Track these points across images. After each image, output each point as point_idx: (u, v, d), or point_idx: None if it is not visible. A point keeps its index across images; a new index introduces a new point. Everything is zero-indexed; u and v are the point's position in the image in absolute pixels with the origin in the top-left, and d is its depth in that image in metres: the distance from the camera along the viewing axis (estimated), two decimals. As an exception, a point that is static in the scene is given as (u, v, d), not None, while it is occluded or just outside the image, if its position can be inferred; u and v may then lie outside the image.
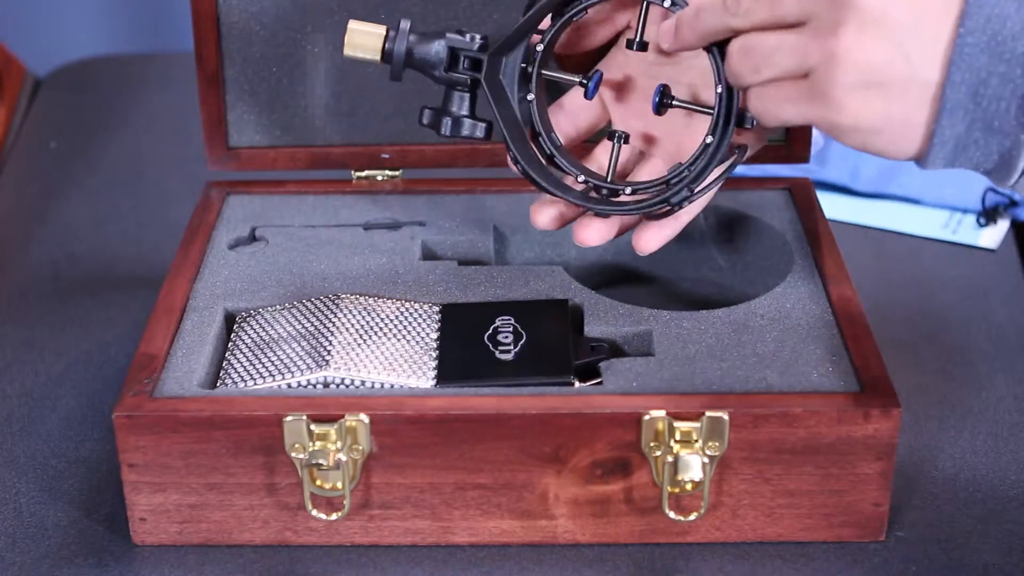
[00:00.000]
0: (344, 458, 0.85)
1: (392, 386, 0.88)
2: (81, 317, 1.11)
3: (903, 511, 0.91)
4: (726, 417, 0.84)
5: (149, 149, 1.36)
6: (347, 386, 0.88)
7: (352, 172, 1.10)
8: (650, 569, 0.87)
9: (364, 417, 0.85)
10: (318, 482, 0.86)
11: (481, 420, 0.85)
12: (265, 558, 0.88)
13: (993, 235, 1.19)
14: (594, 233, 0.91)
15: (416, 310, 0.95)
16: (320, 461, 0.84)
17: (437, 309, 0.95)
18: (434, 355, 0.90)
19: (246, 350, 0.92)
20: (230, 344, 0.93)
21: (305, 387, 0.88)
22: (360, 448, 0.85)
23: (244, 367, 0.90)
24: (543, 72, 0.92)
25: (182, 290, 0.96)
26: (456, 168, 1.10)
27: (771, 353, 0.90)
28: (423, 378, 0.88)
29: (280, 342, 0.91)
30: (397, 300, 0.96)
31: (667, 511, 0.86)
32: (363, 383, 0.88)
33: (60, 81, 1.49)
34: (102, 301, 1.13)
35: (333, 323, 0.92)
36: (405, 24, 0.93)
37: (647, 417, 0.84)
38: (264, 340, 0.92)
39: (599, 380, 0.88)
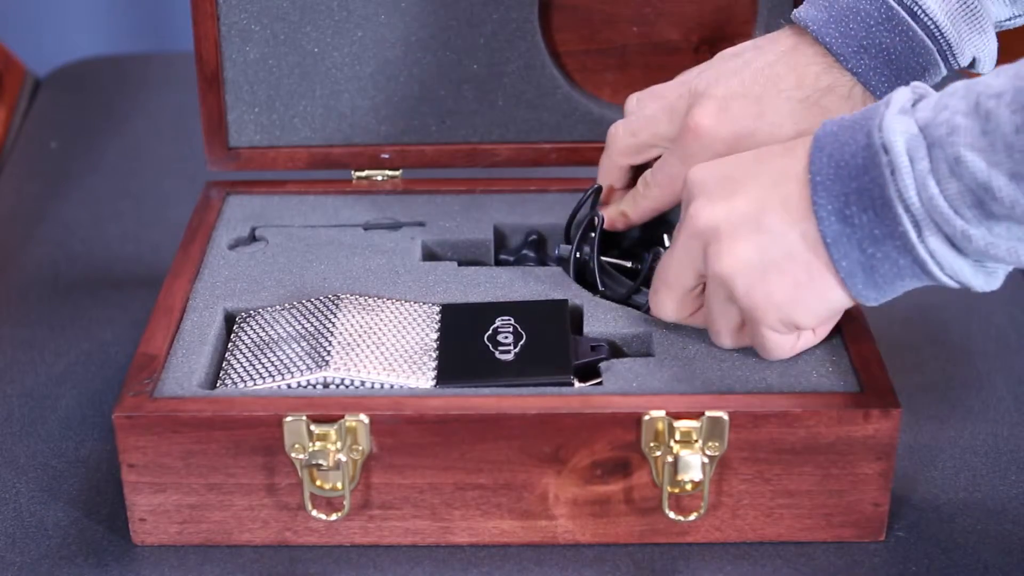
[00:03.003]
0: (344, 458, 0.85)
1: (392, 386, 0.88)
2: (81, 317, 1.11)
3: (903, 511, 0.91)
4: (726, 417, 0.84)
5: (149, 149, 1.36)
6: (347, 386, 0.88)
7: (352, 172, 1.10)
8: (650, 569, 0.87)
9: (364, 417, 0.85)
10: (318, 482, 0.86)
11: (481, 420, 0.85)
12: (265, 558, 0.88)
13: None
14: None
15: (416, 310, 0.95)
16: (320, 461, 0.84)
17: (437, 309, 0.95)
18: (434, 355, 0.90)
19: (246, 350, 0.92)
20: (230, 344, 0.93)
21: (305, 387, 0.88)
22: (360, 448, 0.85)
23: (244, 367, 0.90)
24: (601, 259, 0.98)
25: (182, 290, 0.96)
26: (456, 168, 1.10)
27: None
28: (423, 378, 0.88)
29: (280, 342, 0.91)
30: (397, 300, 0.96)
31: (667, 511, 0.86)
32: (363, 383, 0.88)
33: (60, 81, 1.49)
34: (102, 301, 1.13)
35: (333, 323, 0.92)
36: None
37: (647, 417, 0.84)
38: (264, 340, 0.92)
39: (599, 380, 0.88)
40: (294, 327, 0.93)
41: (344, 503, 0.86)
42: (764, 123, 0.90)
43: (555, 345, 0.91)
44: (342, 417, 0.84)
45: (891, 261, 0.78)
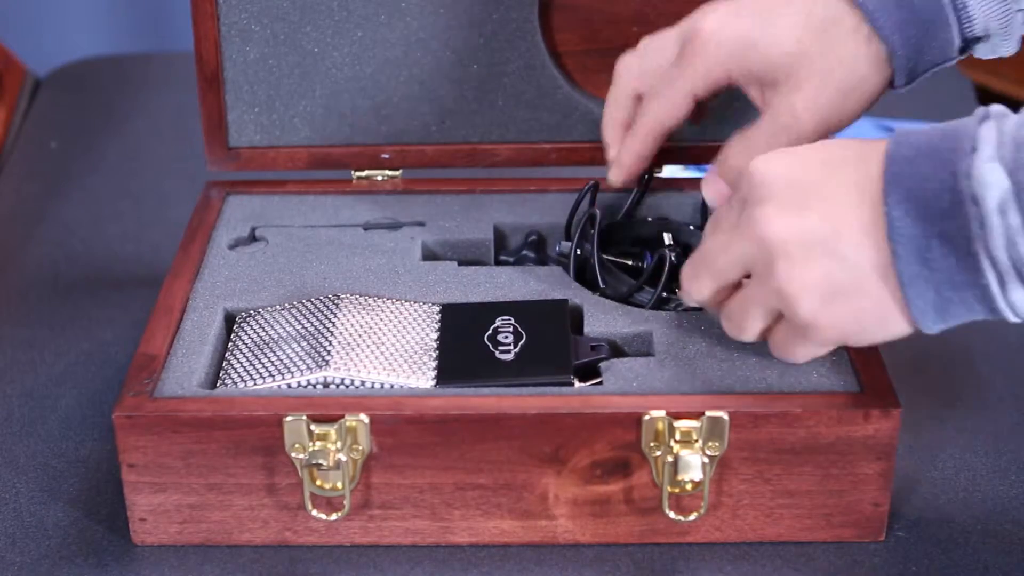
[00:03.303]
0: (344, 458, 0.85)
1: (392, 386, 0.88)
2: (81, 317, 1.11)
3: (903, 511, 0.91)
4: (726, 417, 0.84)
5: (149, 149, 1.36)
6: (347, 386, 0.88)
7: (352, 172, 1.10)
8: (650, 569, 0.87)
9: (364, 417, 0.85)
10: (318, 482, 0.86)
11: (481, 420, 0.85)
12: (265, 558, 0.88)
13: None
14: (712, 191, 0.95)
15: (416, 310, 0.95)
16: (320, 461, 0.84)
17: (437, 309, 0.95)
18: (434, 355, 0.90)
19: (246, 350, 0.91)
20: (230, 344, 0.93)
21: (305, 387, 0.88)
22: (360, 448, 0.85)
23: (244, 367, 0.90)
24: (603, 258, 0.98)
25: (182, 290, 0.96)
26: (456, 168, 1.10)
27: (771, 353, 0.90)
28: (423, 378, 0.88)
29: (280, 342, 0.91)
30: (397, 300, 0.96)
31: (667, 511, 0.86)
32: (363, 383, 0.88)
33: (60, 81, 1.49)
34: (102, 301, 1.13)
35: (333, 323, 0.92)
36: None
37: (647, 417, 0.84)
38: (264, 340, 0.92)
39: (599, 380, 0.88)
40: (294, 327, 0.93)
41: (344, 503, 0.86)
42: (767, 35, 0.89)
43: (555, 345, 0.91)
44: (342, 417, 0.84)
45: (967, 305, 0.76)
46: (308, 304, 0.95)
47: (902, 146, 0.76)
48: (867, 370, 0.87)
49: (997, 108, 0.76)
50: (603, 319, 0.94)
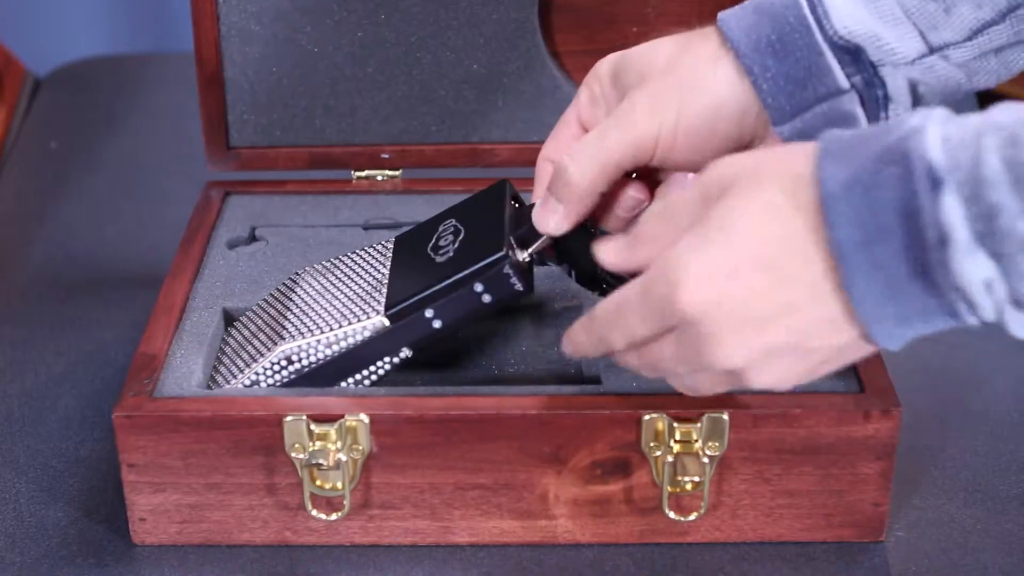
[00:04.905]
0: (344, 458, 0.85)
1: (347, 335, 0.86)
2: (81, 317, 1.11)
3: (903, 511, 0.91)
4: (726, 417, 0.84)
5: (149, 149, 1.36)
6: (310, 356, 0.87)
7: (352, 172, 1.10)
8: (650, 569, 0.87)
9: (364, 417, 0.85)
10: (318, 482, 0.86)
11: (481, 420, 0.85)
12: (265, 558, 0.88)
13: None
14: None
15: (370, 253, 0.93)
16: (320, 461, 0.84)
17: (392, 244, 0.93)
18: (384, 290, 0.88)
19: (230, 352, 0.92)
20: (218, 352, 0.93)
21: (276, 372, 0.87)
22: (360, 448, 0.85)
23: (226, 368, 0.90)
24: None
25: (182, 290, 0.96)
26: (456, 168, 1.10)
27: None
28: (374, 315, 0.86)
29: (252, 338, 0.91)
30: (353, 251, 0.95)
31: (667, 511, 0.86)
32: (318, 343, 0.87)
33: (60, 81, 1.49)
34: (102, 301, 1.13)
35: (291, 299, 0.92)
36: None
37: (647, 417, 0.84)
38: (241, 339, 0.92)
39: (597, 379, 0.88)
40: (262, 318, 0.92)
41: (344, 503, 0.86)
42: (646, 52, 0.82)
43: (490, 229, 0.85)
44: (342, 417, 0.84)
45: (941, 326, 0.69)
46: (274, 291, 0.94)
47: (854, 255, 0.66)
48: (867, 370, 0.87)
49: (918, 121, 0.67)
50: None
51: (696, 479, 0.85)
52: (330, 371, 0.87)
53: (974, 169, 0.63)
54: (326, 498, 0.87)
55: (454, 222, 0.89)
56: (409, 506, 0.87)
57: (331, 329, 0.87)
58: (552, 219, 0.82)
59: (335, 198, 1.08)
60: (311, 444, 0.85)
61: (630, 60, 0.83)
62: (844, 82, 0.79)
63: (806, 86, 0.79)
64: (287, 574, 0.87)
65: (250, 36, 1.06)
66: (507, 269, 0.83)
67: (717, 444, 0.85)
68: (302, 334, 0.87)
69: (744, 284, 0.69)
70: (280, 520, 0.88)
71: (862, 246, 0.66)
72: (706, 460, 0.84)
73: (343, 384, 0.88)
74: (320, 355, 0.87)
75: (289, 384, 0.88)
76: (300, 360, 0.87)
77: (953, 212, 0.64)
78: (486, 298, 0.84)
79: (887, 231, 0.65)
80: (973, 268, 0.64)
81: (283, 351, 0.87)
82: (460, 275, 0.84)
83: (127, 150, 1.36)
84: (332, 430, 0.85)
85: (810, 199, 0.67)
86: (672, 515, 0.87)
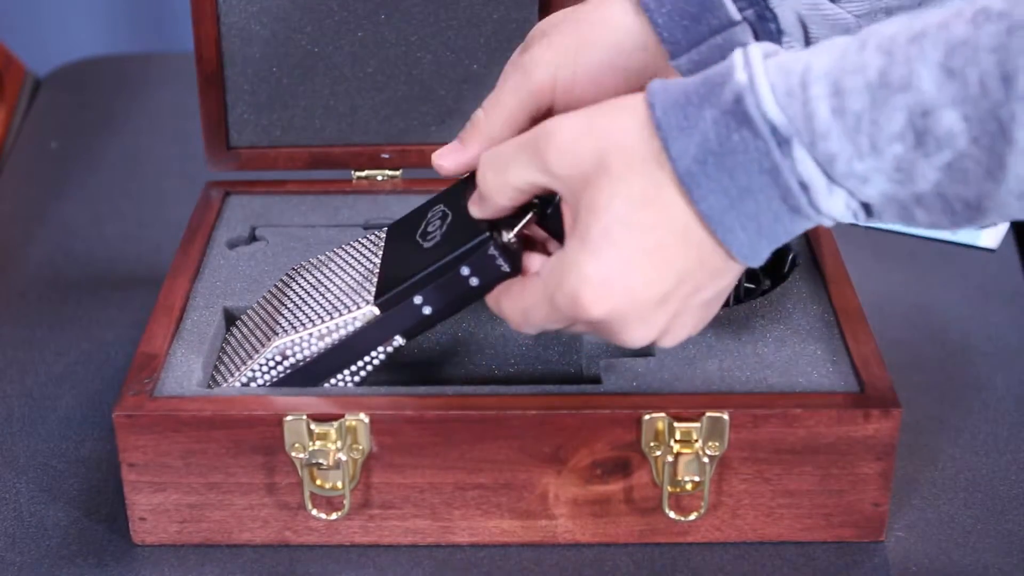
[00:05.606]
0: (344, 458, 0.85)
1: (338, 327, 0.86)
2: (81, 317, 1.11)
3: (903, 511, 0.91)
4: (726, 417, 0.84)
5: (149, 149, 1.36)
6: (304, 351, 0.87)
7: (352, 172, 1.10)
8: (650, 569, 0.87)
9: (364, 417, 0.85)
10: (318, 482, 0.86)
11: (481, 420, 0.85)
12: (265, 558, 0.88)
13: (993, 235, 1.19)
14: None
15: (363, 243, 0.93)
16: (320, 461, 0.84)
17: (384, 233, 0.92)
18: (375, 280, 0.88)
19: (229, 351, 0.92)
20: (219, 351, 0.93)
21: (271, 369, 0.87)
22: (360, 448, 0.85)
23: (225, 367, 0.90)
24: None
25: (182, 290, 0.96)
26: (456, 168, 1.10)
27: (771, 353, 0.90)
28: (364, 305, 0.86)
29: (249, 335, 0.91)
30: (347, 243, 0.94)
31: (667, 511, 0.86)
32: (310, 336, 0.86)
33: (60, 81, 1.49)
34: (102, 301, 1.13)
35: (287, 295, 0.92)
36: None
37: (647, 417, 0.84)
38: (240, 337, 0.92)
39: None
40: (259, 315, 0.92)
41: (344, 502, 0.86)
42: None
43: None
44: (342, 416, 0.84)
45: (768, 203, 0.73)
46: (271, 289, 0.94)
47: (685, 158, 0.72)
48: (867, 370, 0.87)
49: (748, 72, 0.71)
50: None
51: (696, 479, 0.85)
52: (324, 365, 0.87)
53: (808, 121, 0.69)
54: (326, 498, 0.87)
55: (442, 207, 0.88)
56: (409, 506, 0.87)
57: (322, 321, 0.87)
58: (449, 156, 0.86)
59: (335, 198, 1.08)
60: (311, 444, 0.85)
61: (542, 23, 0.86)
62: (736, 14, 0.82)
63: (700, 19, 0.82)
64: (287, 574, 0.87)
65: (250, 36, 1.06)
66: (492, 250, 0.82)
67: (717, 444, 0.85)
68: (295, 329, 0.87)
69: (639, 276, 0.74)
70: (280, 520, 0.88)
71: (729, 208, 0.72)
72: (706, 460, 0.84)
73: (338, 377, 0.87)
74: (313, 348, 0.87)
75: (285, 380, 0.88)
76: (294, 355, 0.87)
77: (807, 162, 0.70)
78: (473, 281, 0.83)
79: (750, 190, 0.71)
80: (836, 201, 0.71)
81: (276, 347, 0.87)
82: (446, 260, 0.83)
83: (127, 150, 1.36)
84: (332, 430, 0.85)
85: (668, 177, 0.72)
86: (672, 515, 0.87)
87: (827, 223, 0.73)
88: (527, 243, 0.84)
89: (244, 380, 0.88)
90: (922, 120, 0.67)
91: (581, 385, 0.88)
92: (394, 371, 0.95)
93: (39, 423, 1.00)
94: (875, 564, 0.87)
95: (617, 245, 0.73)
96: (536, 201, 0.82)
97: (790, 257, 0.99)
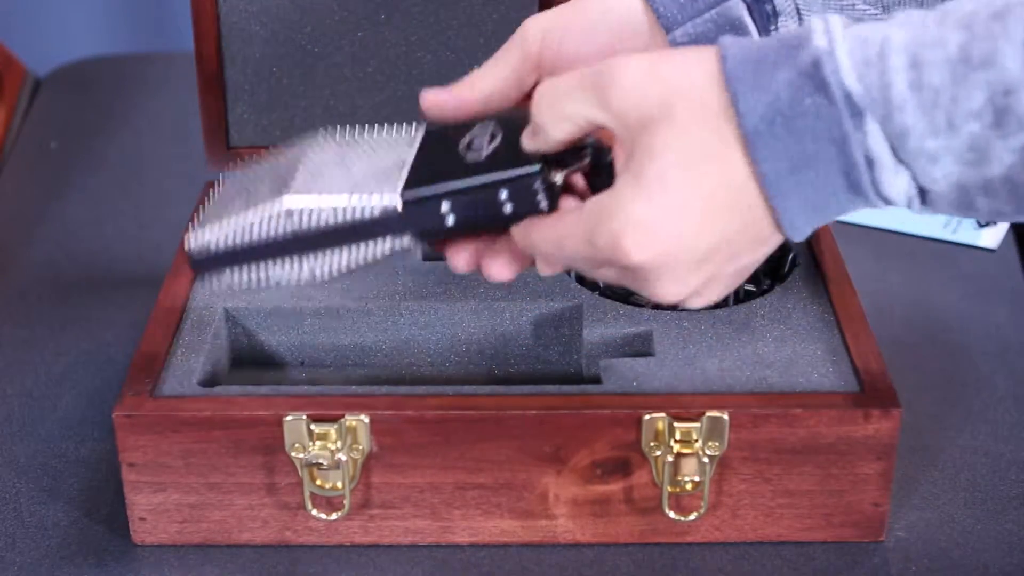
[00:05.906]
0: (344, 458, 0.85)
1: (355, 207, 0.81)
2: (81, 317, 1.11)
3: (903, 511, 0.91)
4: (726, 417, 0.84)
5: (149, 149, 1.36)
6: (313, 216, 0.81)
7: (352, 172, 1.10)
8: (650, 569, 0.87)
9: (364, 417, 0.85)
10: (318, 482, 0.86)
11: (481, 420, 0.85)
12: (265, 558, 0.88)
13: (993, 235, 1.19)
14: (503, 269, 0.83)
15: (397, 135, 0.88)
16: (320, 461, 0.84)
17: (423, 131, 0.88)
18: (406, 172, 0.83)
19: (221, 199, 0.86)
20: (198, 205, 0.86)
21: (272, 223, 0.81)
22: (360, 448, 0.85)
23: (211, 215, 0.84)
24: None
25: (182, 290, 0.96)
26: (456, 168, 1.09)
27: (771, 353, 0.90)
28: (389, 193, 0.81)
29: (254, 183, 0.86)
30: (381, 127, 0.89)
31: (667, 511, 0.86)
32: (323, 203, 0.81)
33: (60, 81, 1.49)
34: (102, 301, 1.13)
35: (305, 157, 0.86)
36: None
37: (647, 417, 0.84)
38: (237, 186, 0.86)
39: (597, 376, 0.88)
40: (266, 168, 0.87)
41: (344, 503, 0.86)
42: None
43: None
44: (342, 416, 0.84)
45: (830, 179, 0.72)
46: (285, 148, 0.88)
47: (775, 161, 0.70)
48: (867, 370, 0.87)
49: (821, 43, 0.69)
50: (603, 318, 0.94)
51: (696, 479, 0.85)
52: (327, 238, 0.82)
53: (884, 92, 0.67)
54: (326, 498, 0.87)
55: (494, 126, 0.84)
56: (409, 506, 0.87)
57: (340, 194, 0.82)
58: (436, 94, 0.87)
59: (335, 198, 1.08)
60: (311, 444, 0.85)
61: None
62: None
63: None
64: (287, 574, 0.87)
65: (250, 36, 1.06)
66: (537, 184, 0.79)
67: (717, 444, 0.85)
68: (307, 189, 0.82)
69: (688, 227, 0.71)
70: (280, 520, 0.88)
71: (789, 174, 0.70)
72: (706, 460, 0.84)
73: (332, 258, 0.82)
74: (323, 218, 0.81)
75: (281, 243, 0.82)
76: (301, 217, 0.81)
77: (877, 137, 0.68)
78: (507, 208, 0.80)
79: (815, 158, 0.69)
80: (898, 182, 0.69)
81: (286, 202, 0.81)
82: (488, 177, 0.80)
83: (127, 150, 1.36)
84: (332, 430, 0.85)
85: (733, 133, 0.70)
86: (672, 515, 0.87)
87: (880, 206, 0.71)
88: (565, 189, 0.82)
89: (239, 227, 0.82)
90: (1004, 99, 0.66)
91: (581, 385, 0.88)
92: (394, 371, 0.95)
93: (39, 423, 1.00)
94: (875, 564, 0.87)
95: (670, 191, 0.71)
96: (590, 149, 0.80)
97: (790, 257, 0.99)
